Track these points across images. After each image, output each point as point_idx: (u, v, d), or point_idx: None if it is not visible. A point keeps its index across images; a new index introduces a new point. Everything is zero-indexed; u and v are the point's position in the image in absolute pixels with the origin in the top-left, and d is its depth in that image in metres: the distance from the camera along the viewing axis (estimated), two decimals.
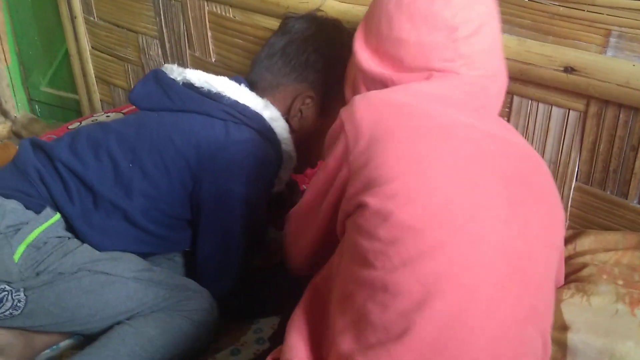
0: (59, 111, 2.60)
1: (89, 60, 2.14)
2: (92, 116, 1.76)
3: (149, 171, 1.15)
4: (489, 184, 0.79)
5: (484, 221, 0.76)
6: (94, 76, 2.17)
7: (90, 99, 2.24)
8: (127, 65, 2.02)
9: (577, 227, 1.18)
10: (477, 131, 0.85)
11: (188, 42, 1.76)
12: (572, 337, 0.89)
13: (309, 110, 1.24)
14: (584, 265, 1.01)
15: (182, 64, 1.77)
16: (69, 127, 1.68)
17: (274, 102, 1.22)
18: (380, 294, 0.73)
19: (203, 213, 1.16)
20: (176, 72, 1.24)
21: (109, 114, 1.74)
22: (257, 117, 1.20)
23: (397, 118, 0.84)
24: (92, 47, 2.12)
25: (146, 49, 1.91)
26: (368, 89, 0.95)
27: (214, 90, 1.20)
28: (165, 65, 1.28)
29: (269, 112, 1.21)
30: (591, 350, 0.88)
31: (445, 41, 0.89)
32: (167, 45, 1.83)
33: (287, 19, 1.28)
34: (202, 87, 1.21)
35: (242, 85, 1.22)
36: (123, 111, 1.73)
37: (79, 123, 1.70)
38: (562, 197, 1.18)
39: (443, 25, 0.89)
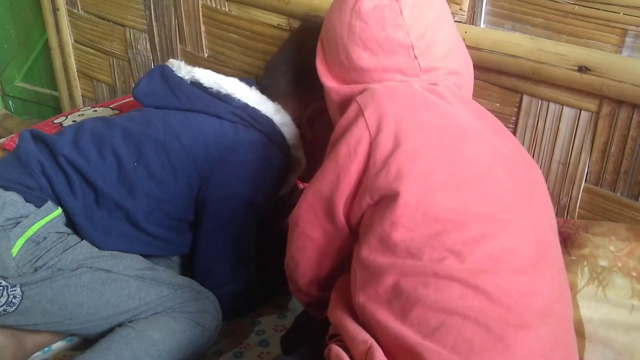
0: (34, 107, 2.51)
1: (71, 54, 2.07)
2: (78, 110, 1.69)
3: (155, 171, 1.10)
4: (509, 181, 0.83)
5: (516, 214, 0.81)
6: (75, 71, 2.11)
7: (71, 94, 2.17)
8: (112, 60, 1.96)
9: None
10: (486, 131, 0.89)
11: (179, 36, 1.71)
12: (591, 335, 0.89)
13: (322, 122, 1.18)
14: (599, 246, 1.00)
15: (173, 58, 1.71)
16: (54, 122, 1.62)
17: (286, 108, 1.19)
18: (432, 280, 0.76)
19: (208, 214, 1.12)
20: (184, 71, 1.19)
21: (96, 109, 1.68)
22: (266, 121, 1.16)
23: (424, 113, 0.86)
24: (75, 41, 2.05)
25: (134, 43, 1.85)
26: None
27: (223, 91, 1.16)
28: (171, 60, 1.23)
29: (279, 116, 1.17)
30: (610, 350, 0.88)
31: (405, 60, 0.92)
32: (157, 40, 1.78)
33: (307, 21, 1.24)
34: (211, 88, 1.17)
35: (253, 87, 1.19)
36: (110, 106, 1.67)
37: (64, 117, 1.63)
38: (570, 199, 1.18)
39: (399, 47, 0.91)
